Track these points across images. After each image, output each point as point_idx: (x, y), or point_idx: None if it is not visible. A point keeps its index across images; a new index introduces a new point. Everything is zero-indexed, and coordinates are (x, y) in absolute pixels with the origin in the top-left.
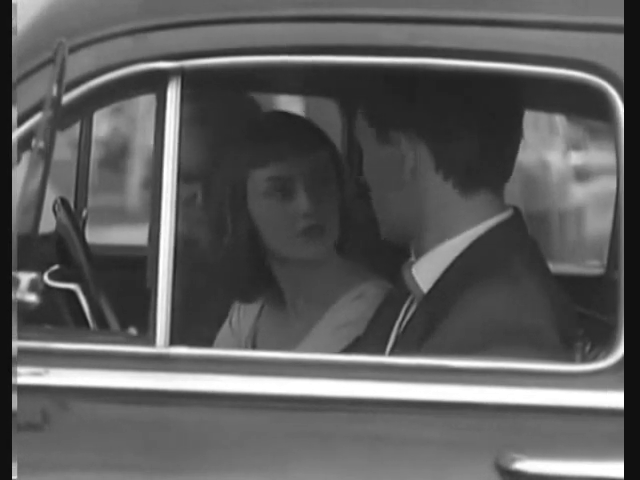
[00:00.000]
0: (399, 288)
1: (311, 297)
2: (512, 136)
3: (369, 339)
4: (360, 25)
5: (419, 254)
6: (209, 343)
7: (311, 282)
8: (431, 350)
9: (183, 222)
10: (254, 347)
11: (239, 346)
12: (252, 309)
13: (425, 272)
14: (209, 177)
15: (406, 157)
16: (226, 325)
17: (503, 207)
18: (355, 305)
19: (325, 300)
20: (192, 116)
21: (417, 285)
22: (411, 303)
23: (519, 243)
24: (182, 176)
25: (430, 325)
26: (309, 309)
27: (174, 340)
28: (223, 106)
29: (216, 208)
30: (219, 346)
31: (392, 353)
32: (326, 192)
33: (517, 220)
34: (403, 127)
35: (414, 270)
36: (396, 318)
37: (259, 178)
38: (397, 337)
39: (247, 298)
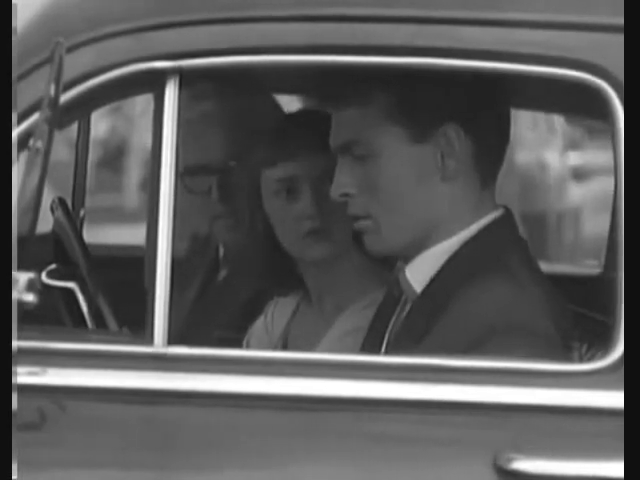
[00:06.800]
0: (392, 289)
1: (334, 298)
2: (507, 132)
3: (366, 340)
4: (360, 25)
5: (413, 255)
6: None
7: (332, 282)
8: (428, 349)
9: (197, 215)
10: (285, 346)
11: (271, 341)
12: (288, 306)
13: (419, 273)
14: (225, 172)
15: (449, 153)
16: (261, 319)
17: (495, 206)
18: (365, 313)
19: (347, 302)
20: (207, 112)
21: (410, 286)
22: (404, 304)
23: (511, 242)
24: (197, 170)
25: (426, 324)
26: (333, 311)
27: (172, 340)
28: (240, 103)
29: (235, 204)
30: (251, 339)
31: (386, 353)
32: None
33: (508, 219)
34: (447, 123)
35: (407, 271)
36: (390, 319)
37: (270, 178)
38: (390, 337)
39: (280, 292)
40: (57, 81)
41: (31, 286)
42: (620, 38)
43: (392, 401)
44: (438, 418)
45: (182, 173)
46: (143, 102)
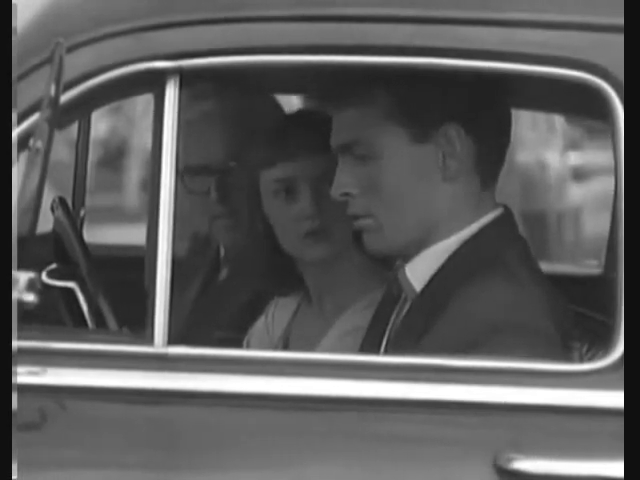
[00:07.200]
0: (392, 288)
1: (335, 298)
2: (508, 132)
3: (365, 339)
4: (360, 25)
5: (413, 254)
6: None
7: (332, 282)
8: (428, 348)
9: (197, 216)
10: (286, 347)
11: (271, 342)
12: (288, 306)
13: (419, 272)
14: (224, 172)
15: (450, 153)
16: (262, 319)
17: (495, 205)
18: (365, 313)
19: (347, 302)
20: (207, 111)
21: (410, 284)
22: (404, 303)
23: (511, 241)
24: (196, 170)
25: (425, 323)
26: (334, 310)
27: (172, 340)
28: (240, 103)
29: (234, 204)
30: (252, 339)
31: (386, 352)
32: None
33: (508, 218)
34: (448, 123)
35: (407, 270)
36: (389, 318)
37: (269, 178)
38: (390, 336)
39: (281, 292)
40: (57, 81)
41: (31, 286)
42: (620, 38)
43: (392, 401)
44: (438, 418)
45: (182, 173)
46: (143, 102)
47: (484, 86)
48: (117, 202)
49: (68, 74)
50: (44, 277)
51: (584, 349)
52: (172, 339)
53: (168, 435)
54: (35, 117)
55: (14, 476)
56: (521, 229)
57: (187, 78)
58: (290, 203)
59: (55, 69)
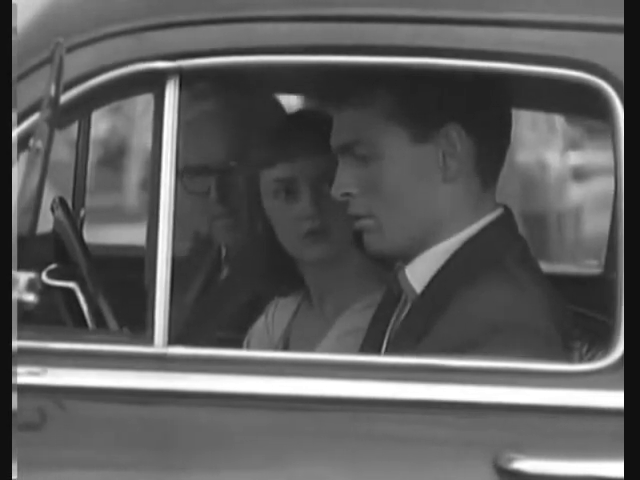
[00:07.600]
0: (392, 289)
1: (335, 299)
2: (508, 133)
3: (366, 340)
4: (360, 25)
5: (413, 255)
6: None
7: (332, 282)
8: (428, 349)
9: (197, 216)
10: (286, 347)
11: (271, 342)
12: (289, 306)
13: (419, 272)
14: (224, 172)
15: (450, 154)
16: (262, 319)
17: (495, 205)
18: (365, 314)
19: (347, 303)
20: (207, 111)
21: (411, 286)
22: (404, 304)
23: (511, 241)
24: (196, 170)
25: (426, 324)
26: (334, 311)
27: (172, 340)
28: (241, 103)
29: (234, 204)
30: (252, 340)
31: (386, 353)
32: None
33: (508, 218)
34: (449, 123)
35: (407, 271)
36: (390, 319)
37: (269, 178)
38: (390, 337)
39: (281, 292)
40: (57, 81)
41: (31, 286)
42: (620, 38)
43: (392, 401)
44: (438, 418)
45: (182, 173)
46: (143, 102)
47: (485, 86)
48: (117, 202)
49: (68, 74)
50: (44, 277)
51: (584, 349)
52: (172, 339)
53: (168, 435)
54: (35, 117)
55: (14, 476)
56: (521, 229)
57: (187, 78)
58: (290, 203)
59: (55, 69)
